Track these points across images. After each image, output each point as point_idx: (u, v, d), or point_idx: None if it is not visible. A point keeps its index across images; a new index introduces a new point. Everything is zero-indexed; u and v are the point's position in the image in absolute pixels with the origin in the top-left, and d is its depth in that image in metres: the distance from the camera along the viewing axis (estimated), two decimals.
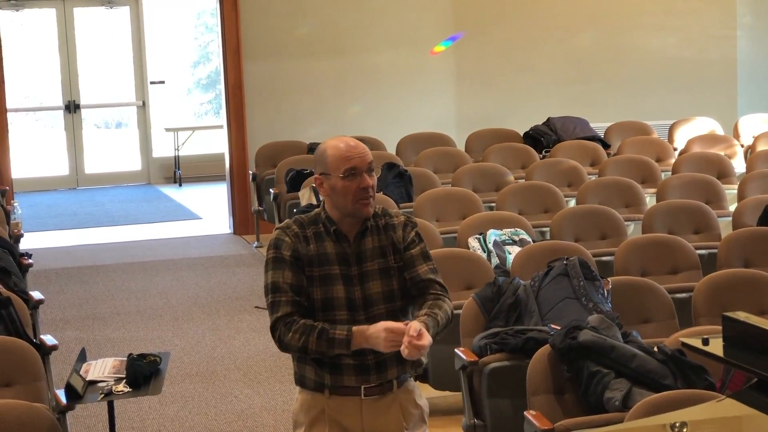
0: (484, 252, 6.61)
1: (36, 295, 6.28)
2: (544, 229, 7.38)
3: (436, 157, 9.60)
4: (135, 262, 9.87)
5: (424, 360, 3.62)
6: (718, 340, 3.45)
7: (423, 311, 3.49)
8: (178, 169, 14.84)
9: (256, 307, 8.07)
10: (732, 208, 7.85)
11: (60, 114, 14.85)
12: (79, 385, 4.52)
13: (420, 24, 11.29)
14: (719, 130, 10.77)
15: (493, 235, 6.72)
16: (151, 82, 15.06)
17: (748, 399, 3.28)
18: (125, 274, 9.42)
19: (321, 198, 3.64)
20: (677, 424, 3.33)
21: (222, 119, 11.30)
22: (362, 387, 3.55)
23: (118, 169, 15.15)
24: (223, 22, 10.79)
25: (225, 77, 10.87)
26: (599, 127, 10.77)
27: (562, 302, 5.21)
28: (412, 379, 3.68)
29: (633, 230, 7.48)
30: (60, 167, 14.80)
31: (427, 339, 3.37)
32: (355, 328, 3.46)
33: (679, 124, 10.89)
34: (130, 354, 4.76)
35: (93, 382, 4.59)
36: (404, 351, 3.36)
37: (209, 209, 12.54)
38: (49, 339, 5.39)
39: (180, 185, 14.68)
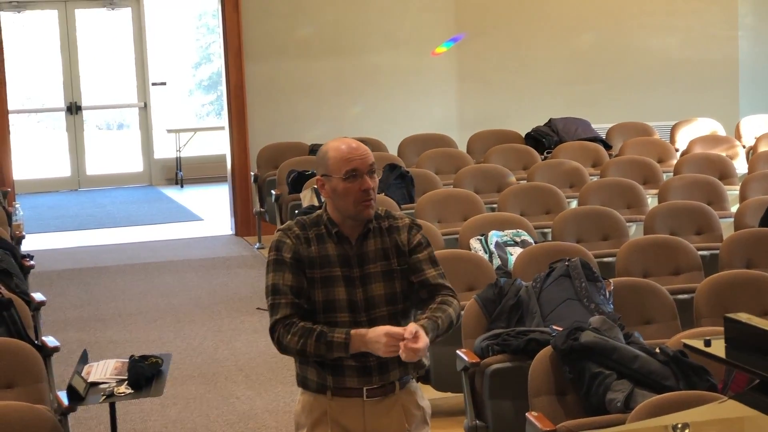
0: (486, 253, 6.60)
1: (37, 296, 6.29)
2: (546, 230, 7.38)
3: (438, 158, 9.60)
4: (137, 263, 9.87)
5: (426, 362, 3.61)
6: (720, 341, 3.46)
7: (425, 315, 3.49)
8: (180, 171, 14.83)
9: (258, 308, 8.06)
10: (734, 209, 7.85)
11: (62, 115, 14.85)
12: (80, 387, 4.51)
13: (422, 25, 11.29)
14: (721, 131, 10.76)
15: (494, 236, 6.72)
16: (153, 84, 15.06)
17: (750, 400, 3.28)
18: (127, 275, 9.41)
19: (323, 199, 3.63)
20: (679, 426, 3.33)
21: (223, 120, 11.30)
22: (364, 388, 3.54)
23: (120, 170, 15.15)
24: (225, 23, 10.79)
25: (226, 78, 10.87)
26: (601, 128, 10.77)
27: (564, 303, 5.21)
28: (414, 380, 3.67)
29: (635, 231, 7.47)
30: (61, 169, 14.80)
31: (422, 341, 3.35)
32: (353, 331, 3.45)
33: (680, 124, 10.88)
34: (132, 355, 4.76)
35: (94, 384, 4.59)
36: (402, 354, 3.36)
37: (211, 210, 12.54)
38: (50, 340, 5.39)
39: (181, 186, 14.68)
